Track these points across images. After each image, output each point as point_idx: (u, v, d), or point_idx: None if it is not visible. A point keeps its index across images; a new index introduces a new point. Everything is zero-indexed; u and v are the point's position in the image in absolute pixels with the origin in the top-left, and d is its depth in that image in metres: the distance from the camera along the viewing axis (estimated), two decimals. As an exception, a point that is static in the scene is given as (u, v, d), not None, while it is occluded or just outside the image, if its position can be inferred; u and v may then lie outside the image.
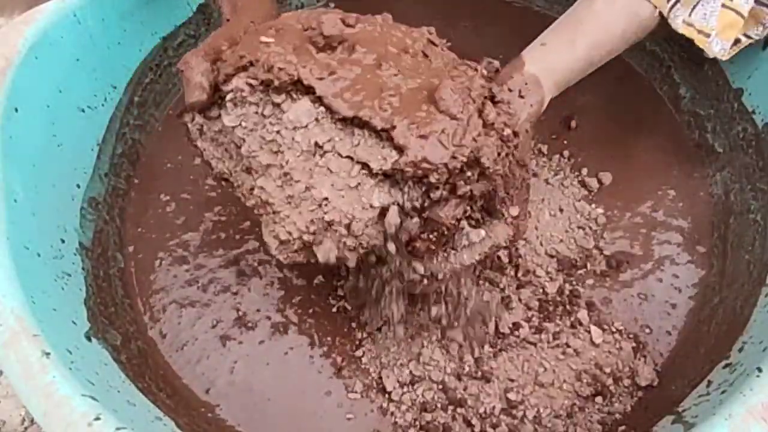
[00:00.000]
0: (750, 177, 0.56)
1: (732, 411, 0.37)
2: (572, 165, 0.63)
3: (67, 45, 0.55)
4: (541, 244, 0.57)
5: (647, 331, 0.54)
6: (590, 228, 0.59)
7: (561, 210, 0.60)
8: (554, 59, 0.49)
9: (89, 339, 0.47)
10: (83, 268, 0.53)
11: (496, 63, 0.47)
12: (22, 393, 0.38)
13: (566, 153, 0.63)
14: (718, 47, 0.52)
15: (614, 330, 0.54)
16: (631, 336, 0.53)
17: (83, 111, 0.58)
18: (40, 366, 0.38)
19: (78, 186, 0.57)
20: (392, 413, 0.50)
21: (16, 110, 0.49)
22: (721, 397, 0.42)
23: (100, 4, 0.58)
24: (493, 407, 0.50)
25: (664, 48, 0.65)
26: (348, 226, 0.41)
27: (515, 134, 0.43)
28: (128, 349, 0.51)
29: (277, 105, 0.41)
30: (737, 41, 0.52)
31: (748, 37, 0.52)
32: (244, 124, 0.43)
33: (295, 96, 0.41)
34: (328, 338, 0.54)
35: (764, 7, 0.51)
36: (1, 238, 0.43)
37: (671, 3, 0.49)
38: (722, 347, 0.48)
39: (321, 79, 0.40)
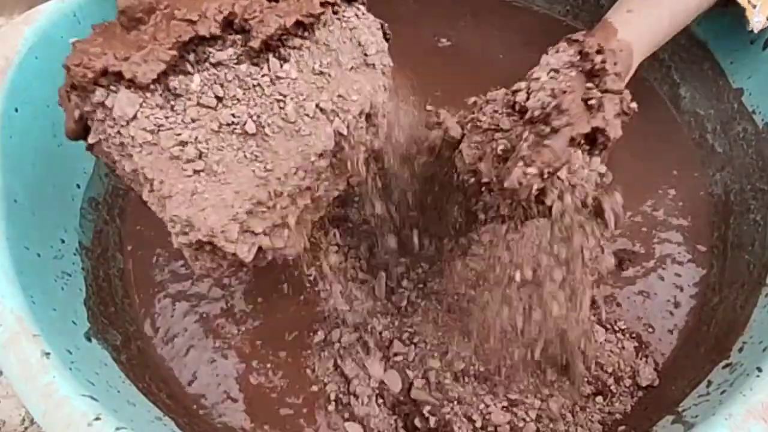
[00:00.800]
0: (750, 177, 0.56)
1: (732, 411, 0.37)
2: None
3: (67, 45, 0.55)
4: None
5: (650, 330, 0.54)
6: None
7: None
8: (642, 28, 0.49)
9: (89, 339, 0.47)
10: (83, 268, 0.53)
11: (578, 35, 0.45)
12: (22, 393, 0.38)
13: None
14: (756, 18, 0.52)
15: (617, 329, 0.54)
16: (634, 336, 0.53)
17: (83, 111, 0.58)
18: (40, 366, 0.38)
19: (78, 186, 0.57)
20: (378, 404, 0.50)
21: (16, 110, 0.49)
22: (721, 397, 0.42)
23: (100, 4, 0.58)
24: (495, 405, 0.50)
25: (665, 48, 0.65)
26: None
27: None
28: (128, 349, 0.51)
29: (102, 104, 0.36)
30: None
31: None
32: (100, 136, 0.38)
33: (114, 88, 0.36)
34: (313, 328, 0.54)
35: None
36: (1, 238, 0.43)
37: None
38: (722, 347, 0.48)
39: (126, 59, 0.35)
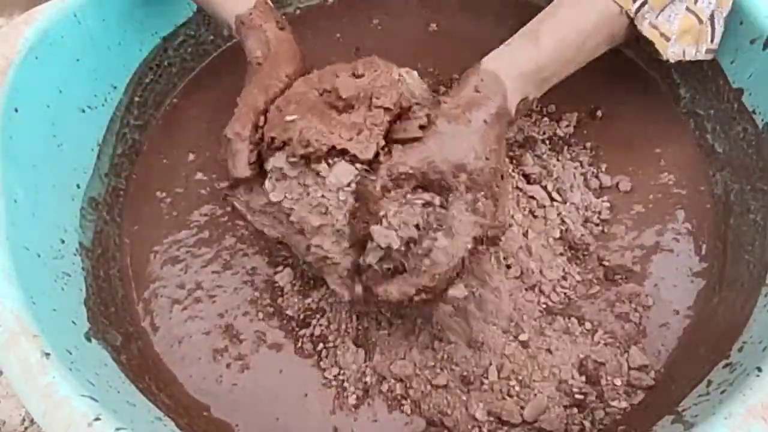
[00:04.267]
0: (750, 177, 0.56)
1: (732, 411, 0.37)
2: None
3: (67, 45, 0.55)
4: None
5: (649, 329, 0.54)
6: (592, 222, 0.59)
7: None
8: (516, 55, 0.50)
9: (89, 339, 0.47)
10: (83, 268, 0.53)
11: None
12: (22, 393, 0.38)
13: (566, 152, 0.63)
14: (672, 49, 0.53)
15: (617, 329, 0.54)
16: (633, 335, 0.53)
17: (83, 111, 0.58)
18: (39, 366, 0.38)
19: (78, 186, 0.57)
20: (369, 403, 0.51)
21: (16, 110, 0.49)
22: (721, 397, 0.42)
23: (100, 4, 0.58)
24: (492, 408, 0.50)
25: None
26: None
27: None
28: (128, 350, 0.51)
29: (317, 173, 0.45)
30: (684, 51, 0.54)
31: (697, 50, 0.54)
32: (288, 196, 0.46)
33: (330, 161, 0.44)
34: (317, 334, 0.54)
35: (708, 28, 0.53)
36: (1, 238, 0.43)
37: (637, 4, 0.49)
38: (722, 347, 0.48)
39: (351, 140, 0.44)
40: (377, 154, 0.45)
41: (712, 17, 0.53)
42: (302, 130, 0.44)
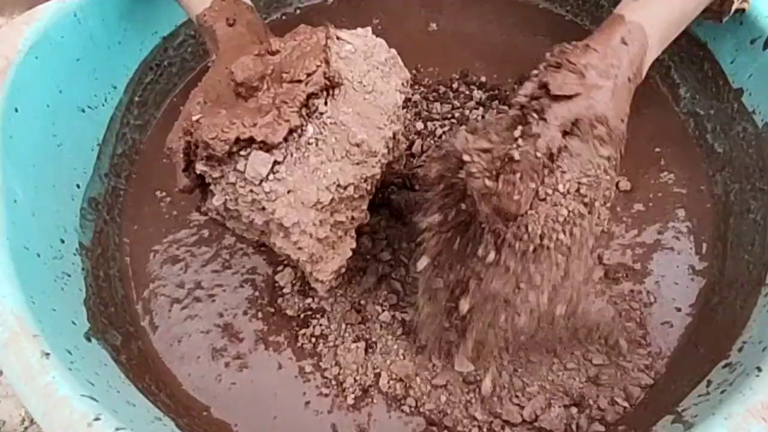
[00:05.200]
0: (750, 177, 0.56)
1: (732, 410, 0.37)
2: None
3: (68, 45, 0.55)
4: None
5: (649, 329, 0.54)
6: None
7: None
8: (648, 6, 0.48)
9: (89, 339, 0.47)
10: (83, 268, 0.53)
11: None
12: (21, 393, 0.38)
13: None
14: None
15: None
16: (632, 335, 0.53)
17: (83, 111, 0.58)
18: (39, 366, 0.38)
19: (78, 186, 0.57)
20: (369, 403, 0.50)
21: (16, 110, 0.49)
22: (720, 397, 0.42)
23: (100, 3, 0.58)
24: (493, 407, 0.50)
25: (665, 48, 0.65)
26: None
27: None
28: (128, 349, 0.51)
29: (236, 169, 0.42)
30: None
31: None
32: (227, 197, 0.44)
33: (243, 153, 0.41)
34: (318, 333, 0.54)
35: None
36: (1, 238, 0.43)
37: None
38: (722, 347, 0.48)
39: (255, 125, 0.40)
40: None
41: None
42: (201, 129, 0.41)
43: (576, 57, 0.44)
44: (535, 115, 0.42)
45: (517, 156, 0.40)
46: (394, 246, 0.57)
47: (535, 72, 0.45)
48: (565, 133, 0.42)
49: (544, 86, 0.43)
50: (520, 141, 0.41)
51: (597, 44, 0.45)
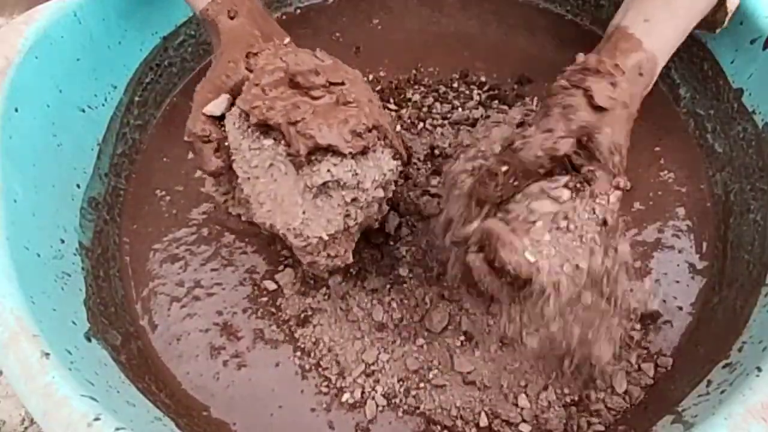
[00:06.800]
0: (750, 177, 0.56)
1: (731, 411, 0.37)
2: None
3: (68, 45, 0.55)
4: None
5: (649, 329, 0.54)
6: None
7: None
8: (663, 37, 0.48)
9: (89, 339, 0.47)
10: (83, 268, 0.53)
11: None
12: (21, 393, 0.38)
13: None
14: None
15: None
16: (632, 335, 0.53)
17: (83, 111, 0.58)
18: (39, 366, 0.38)
19: (78, 186, 0.57)
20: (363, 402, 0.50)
21: (16, 110, 0.49)
22: (720, 397, 0.42)
23: (100, 3, 0.58)
24: (493, 406, 0.50)
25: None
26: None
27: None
28: (128, 349, 0.51)
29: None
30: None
31: None
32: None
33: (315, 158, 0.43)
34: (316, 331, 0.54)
35: None
36: (1, 238, 0.43)
37: None
38: (722, 347, 0.48)
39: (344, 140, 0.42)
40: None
41: None
42: (305, 120, 0.42)
43: (603, 77, 0.44)
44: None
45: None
46: (398, 247, 0.57)
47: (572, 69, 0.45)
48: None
49: (586, 92, 0.43)
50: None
51: (610, 58, 0.45)
